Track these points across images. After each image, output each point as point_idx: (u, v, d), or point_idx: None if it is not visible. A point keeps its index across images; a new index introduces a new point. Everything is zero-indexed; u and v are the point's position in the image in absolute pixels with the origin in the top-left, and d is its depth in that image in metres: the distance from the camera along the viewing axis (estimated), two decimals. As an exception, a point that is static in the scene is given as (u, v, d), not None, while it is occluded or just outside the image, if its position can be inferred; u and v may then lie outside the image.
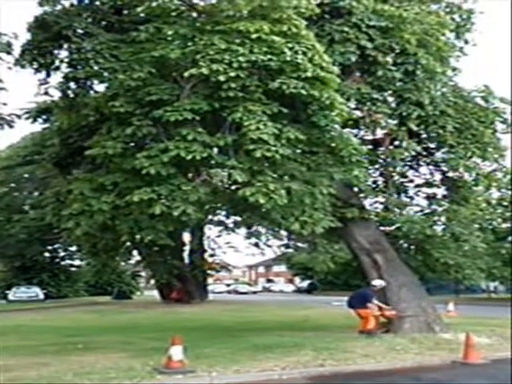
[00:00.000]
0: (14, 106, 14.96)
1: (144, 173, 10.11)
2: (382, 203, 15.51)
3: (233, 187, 11.10)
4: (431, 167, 16.19)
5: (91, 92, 12.88)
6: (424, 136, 15.40)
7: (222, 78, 10.05)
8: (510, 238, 33.32)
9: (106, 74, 11.76)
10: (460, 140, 14.67)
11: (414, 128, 14.26)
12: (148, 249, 30.71)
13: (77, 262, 50.54)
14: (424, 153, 15.72)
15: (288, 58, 10.30)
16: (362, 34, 13.46)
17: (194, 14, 12.05)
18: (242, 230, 30.99)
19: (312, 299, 43.29)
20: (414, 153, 14.86)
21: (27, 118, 16.17)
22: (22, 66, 12.45)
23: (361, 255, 14.89)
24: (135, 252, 34.13)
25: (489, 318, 19.74)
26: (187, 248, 38.16)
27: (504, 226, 32.12)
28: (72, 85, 12.54)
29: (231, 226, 29.15)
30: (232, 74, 10.04)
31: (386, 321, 14.43)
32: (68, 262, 50.24)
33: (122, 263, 43.77)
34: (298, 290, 64.73)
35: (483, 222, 15.57)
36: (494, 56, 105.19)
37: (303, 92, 10.35)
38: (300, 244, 36.35)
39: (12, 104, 19.72)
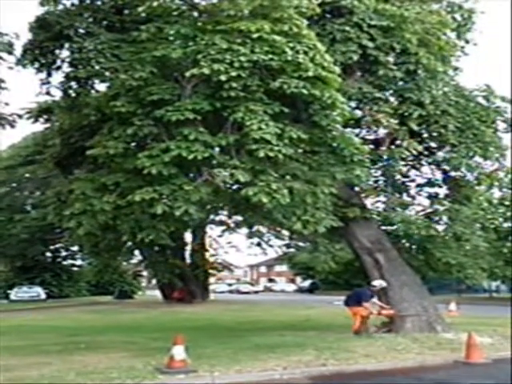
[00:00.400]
0: (15, 106, 15.02)
1: (145, 172, 10.10)
2: (383, 203, 15.51)
3: (235, 187, 11.09)
4: (433, 166, 16.16)
5: (92, 92, 12.89)
6: (425, 135, 15.38)
7: (223, 77, 10.04)
8: (511, 238, 33.25)
9: (107, 73, 11.78)
10: (462, 139, 14.65)
11: (415, 128, 14.25)
12: (150, 248, 30.76)
13: (78, 262, 50.67)
14: (425, 152, 15.71)
15: (289, 58, 10.29)
16: (363, 34, 13.45)
17: (196, 14, 12.03)
18: (244, 230, 30.97)
19: (313, 299, 43.29)
20: (415, 152, 14.85)
21: (28, 118, 16.22)
22: (24, 66, 12.48)
23: (362, 255, 14.89)
24: (137, 252, 34.16)
25: (490, 317, 19.73)
26: (189, 248, 38.22)
27: (506, 225, 32.07)
28: (73, 84, 12.57)
29: (233, 225, 29.14)
30: (233, 74, 10.03)
31: (387, 320, 14.44)
32: (70, 261, 50.35)
33: (124, 263, 43.78)
34: (300, 290, 64.74)
35: (485, 222, 15.54)
36: (495, 55, 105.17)
37: (304, 92, 10.34)
38: (301, 244, 36.33)
39: (13, 104, 19.76)
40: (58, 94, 13.18)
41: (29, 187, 40.99)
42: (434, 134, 14.90)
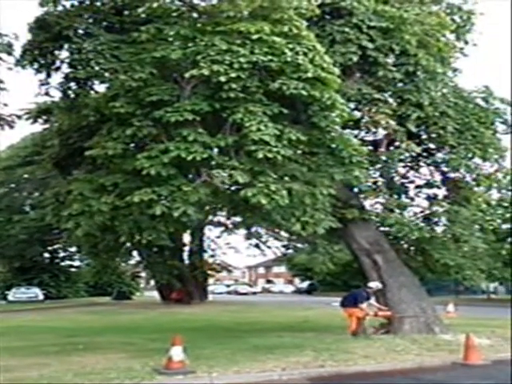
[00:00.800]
0: (14, 107, 15.00)
1: (144, 173, 10.10)
2: (382, 204, 15.51)
3: (233, 188, 11.09)
4: (432, 168, 16.18)
5: (92, 92, 12.87)
6: (424, 137, 15.40)
7: (222, 78, 10.05)
8: (510, 239, 33.28)
9: (106, 74, 11.76)
10: (460, 141, 14.67)
11: (413, 129, 14.26)
12: (148, 249, 30.75)
13: (77, 263, 50.64)
14: (424, 153, 15.73)
15: (289, 59, 10.30)
16: (362, 35, 13.47)
17: (195, 15, 12.05)
18: (242, 231, 30.97)
19: (312, 300, 43.30)
20: (413, 154, 14.86)
21: (27, 119, 16.16)
22: (23, 67, 12.45)
23: (361, 256, 14.89)
24: (135, 253, 34.13)
25: (489, 318, 19.74)
26: (187, 249, 38.21)
27: (504, 226, 32.06)
28: (72, 85, 12.55)
29: (231, 226, 29.13)
30: (233, 75, 10.04)
31: (385, 322, 14.44)
32: (68, 262, 50.31)
33: (122, 264, 43.74)
34: (298, 291, 64.73)
35: (484, 223, 15.53)
36: (494, 57, 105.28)
37: (304, 93, 10.35)
38: (300, 245, 36.33)
39: (12, 104, 19.74)
40: (57, 95, 13.16)
41: (27, 188, 40.94)
42: (433, 136, 14.92)
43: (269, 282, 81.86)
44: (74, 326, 19.46)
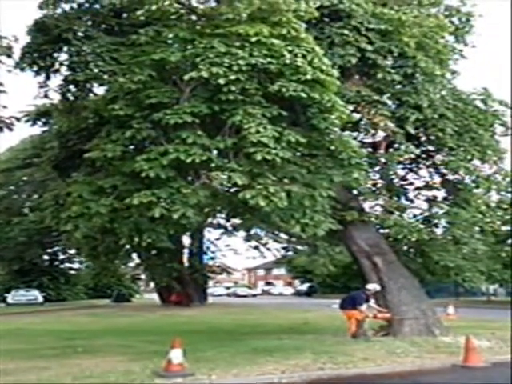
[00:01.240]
0: (13, 109, 14.97)
1: (143, 176, 10.11)
2: (381, 206, 15.50)
3: (232, 190, 11.09)
4: (431, 170, 16.18)
5: (91, 95, 12.89)
6: (423, 139, 15.40)
7: (221, 81, 10.06)
8: (510, 241, 33.27)
9: (105, 76, 11.78)
10: (460, 143, 14.69)
11: (412, 131, 14.27)
12: (147, 252, 30.70)
13: (76, 265, 50.57)
14: (424, 155, 15.73)
15: (287, 61, 10.32)
16: (361, 37, 13.50)
17: (194, 18, 12.06)
18: (242, 233, 31.00)
19: (311, 302, 43.24)
20: (412, 155, 14.86)
21: (27, 121, 16.22)
22: (22, 69, 12.47)
23: (360, 258, 14.87)
24: (135, 255, 34.08)
25: (489, 320, 19.71)
26: (187, 251, 38.18)
27: (504, 228, 32.05)
28: (72, 87, 12.56)
29: (231, 228, 29.15)
30: (232, 77, 10.05)
31: (385, 324, 14.42)
32: (67, 265, 50.22)
33: (122, 266, 43.68)
34: (298, 293, 64.67)
35: (484, 225, 15.52)
36: (493, 59, 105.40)
37: (303, 95, 10.37)
38: (299, 247, 36.34)
39: (12, 107, 19.74)
40: (56, 97, 13.17)
41: (27, 190, 40.89)
42: (432, 138, 14.94)
43: (268, 284, 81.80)
44: (73, 329, 19.42)
